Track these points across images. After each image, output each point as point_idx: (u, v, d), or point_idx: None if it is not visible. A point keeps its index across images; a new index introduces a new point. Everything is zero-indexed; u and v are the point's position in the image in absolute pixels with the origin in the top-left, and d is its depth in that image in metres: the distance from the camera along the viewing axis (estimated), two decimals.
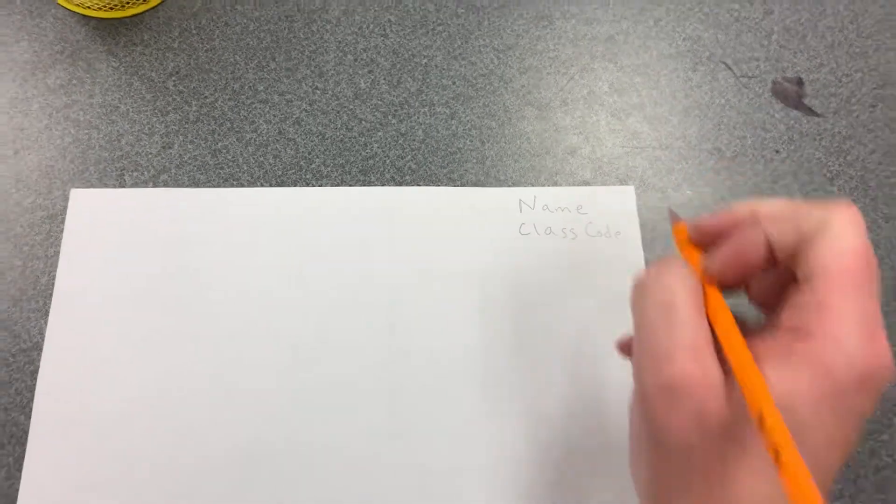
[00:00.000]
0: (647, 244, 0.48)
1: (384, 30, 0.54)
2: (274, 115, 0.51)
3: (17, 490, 0.41)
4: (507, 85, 0.53)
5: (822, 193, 0.50)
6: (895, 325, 0.47)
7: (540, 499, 0.42)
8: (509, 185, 0.50)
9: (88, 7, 0.52)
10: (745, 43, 0.55)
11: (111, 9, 0.52)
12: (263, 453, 0.42)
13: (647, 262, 0.48)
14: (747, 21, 0.56)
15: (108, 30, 0.53)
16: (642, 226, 0.49)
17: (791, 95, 0.53)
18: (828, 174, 0.51)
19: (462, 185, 0.50)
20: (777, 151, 0.51)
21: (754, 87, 0.53)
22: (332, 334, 0.45)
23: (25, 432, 0.42)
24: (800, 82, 0.54)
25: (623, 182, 0.50)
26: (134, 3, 0.53)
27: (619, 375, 0.44)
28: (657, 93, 0.53)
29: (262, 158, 0.50)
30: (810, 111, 0.53)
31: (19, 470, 0.41)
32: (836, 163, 0.51)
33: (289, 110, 0.51)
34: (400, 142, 0.51)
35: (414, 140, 0.51)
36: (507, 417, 0.44)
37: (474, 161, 0.50)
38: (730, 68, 0.54)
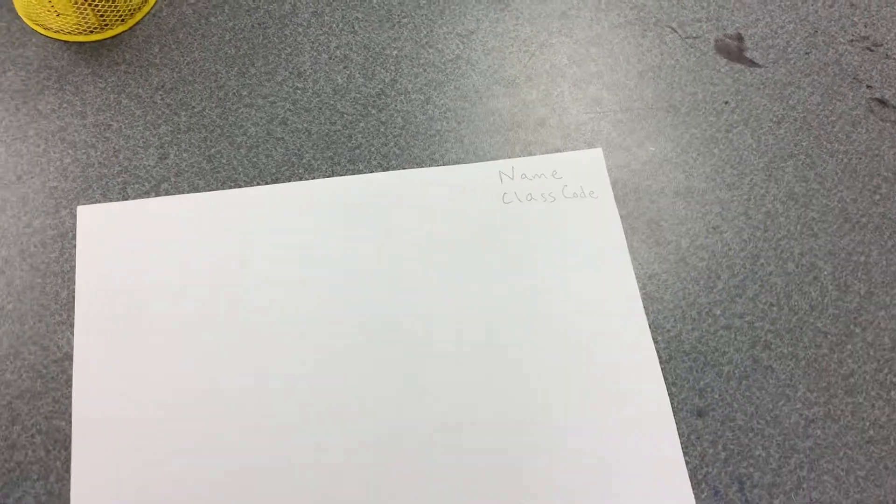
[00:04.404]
0: (620, 199, 0.53)
1: (353, 27, 0.58)
2: (260, 118, 0.54)
3: (70, 490, 0.44)
4: (474, 67, 0.57)
5: (771, 137, 0.55)
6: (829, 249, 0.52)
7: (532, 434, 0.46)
8: (488, 160, 0.54)
9: (68, 32, 0.55)
10: (686, 6, 0.59)
11: (90, 32, 0.55)
12: (288, 424, 0.46)
13: (621, 217, 0.52)
14: None
15: (91, 52, 0.55)
16: (613, 183, 0.53)
17: (733, 50, 0.58)
18: (774, 118, 0.56)
19: (444, 164, 0.53)
20: (726, 102, 0.56)
21: (699, 46, 0.58)
22: (338, 310, 0.48)
23: (68, 436, 0.45)
24: (740, 38, 0.59)
25: (591, 145, 0.54)
26: (112, 25, 0.55)
27: (607, 321, 0.49)
28: (612, 60, 0.57)
29: (255, 159, 0.53)
30: (752, 63, 0.58)
31: (68, 471, 0.44)
32: (781, 107, 0.56)
33: (274, 111, 0.54)
34: (381, 130, 0.54)
35: (394, 127, 0.54)
36: (506, 369, 0.48)
37: (453, 141, 0.54)
38: (675, 31, 0.58)
